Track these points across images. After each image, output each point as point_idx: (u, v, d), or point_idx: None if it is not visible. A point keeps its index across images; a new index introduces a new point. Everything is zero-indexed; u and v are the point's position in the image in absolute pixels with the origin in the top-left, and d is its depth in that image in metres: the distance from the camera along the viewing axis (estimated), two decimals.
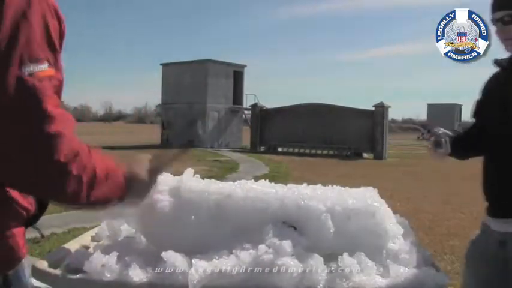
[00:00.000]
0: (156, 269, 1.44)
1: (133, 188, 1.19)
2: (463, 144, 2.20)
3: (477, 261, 2.20)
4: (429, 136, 2.27)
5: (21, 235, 1.05)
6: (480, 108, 2.14)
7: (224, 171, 15.34)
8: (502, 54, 2.05)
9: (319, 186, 1.76)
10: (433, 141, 2.24)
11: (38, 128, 0.88)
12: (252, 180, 1.74)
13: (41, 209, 1.14)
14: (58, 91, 0.96)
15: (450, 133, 2.21)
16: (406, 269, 1.51)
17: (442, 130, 2.23)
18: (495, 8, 1.95)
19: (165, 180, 1.65)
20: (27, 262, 1.10)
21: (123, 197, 1.16)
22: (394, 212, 1.81)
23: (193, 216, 1.59)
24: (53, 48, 0.96)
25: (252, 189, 1.65)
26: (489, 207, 2.14)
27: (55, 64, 0.96)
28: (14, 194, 1.01)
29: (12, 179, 0.93)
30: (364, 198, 1.67)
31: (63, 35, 1.01)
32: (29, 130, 0.88)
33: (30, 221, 1.12)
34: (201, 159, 19.57)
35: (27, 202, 1.06)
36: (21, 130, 0.88)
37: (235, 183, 1.70)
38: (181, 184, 1.64)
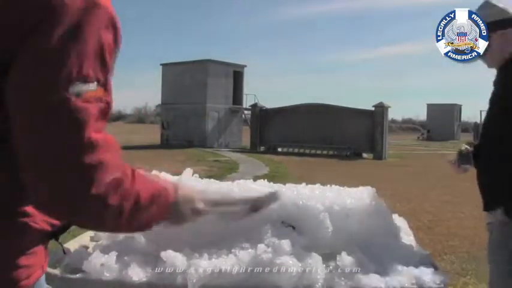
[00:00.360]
0: (156, 268, 1.44)
1: (178, 213, 1.11)
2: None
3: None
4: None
5: (43, 250, 1.00)
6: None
7: (224, 171, 15.34)
8: None
9: (317, 186, 1.76)
10: (458, 156, 2.16)
11: (78, 157, 0.82)
12: (251, 180, 1.74)
13: (68, 223, 1.07)
14: (105, 114, 0.88)
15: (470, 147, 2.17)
16: (405, 268, 1.51)
17: (464, 146, 2.17)
18: None
19: (165, 180, 1.65)
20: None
21: (167, 218, 1.08)
22: (394, 212, 1.81)
23: None
24: (105, 67, 0.88)
25: (251, 189, 1.65)
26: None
27: (105, 85, 0.88)
28: (30, 212, 0.96)
29: (49, 209, 0.88)
30: (362, 197, 1.67)
31: (117, 48, 0.92)
32: (68, 159, 0.82)
33: (55, 234, 1.05)
34: (200, 159, 19.57)
35: (50, 219, 1.00)
36: (60, 158, 0.81)
37: (234, 183, 1.71)
38: (180, 183, 1.64)
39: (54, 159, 0.82)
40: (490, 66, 2.15)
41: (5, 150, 0.87)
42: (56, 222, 1.02)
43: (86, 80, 0.84)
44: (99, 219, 0.90)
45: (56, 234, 1.06)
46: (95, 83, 0.85)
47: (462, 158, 2.15)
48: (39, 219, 0.98)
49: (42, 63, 0.82)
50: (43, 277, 1.03)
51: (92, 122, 0.84)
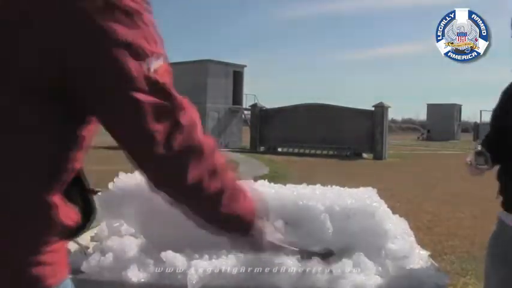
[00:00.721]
0: (156, 269, 1.44)
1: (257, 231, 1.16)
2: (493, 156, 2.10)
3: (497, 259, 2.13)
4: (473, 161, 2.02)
5: (64, 251, 0.98)
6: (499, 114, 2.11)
7: None
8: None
9: (318, 186, 1.76)
10: (474, 157, 2.01)
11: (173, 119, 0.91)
12: (251, 181, 1.73)
13: (86, 221, 1.08)
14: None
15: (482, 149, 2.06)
16: (406, 269, 1.51)
17: (479, 147, 2.04)
18: None
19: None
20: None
21: (251, 228, 1.13)
22: (394, 212, 1.81)
23: None
24: (162, 43, 0.96)
25: (251, 190, 1.64)
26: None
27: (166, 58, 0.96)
28: (59, 204, 0.94)
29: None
30: (363, 198, 1.67)
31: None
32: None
33: (74, 233, 1.04)
34: None
35: (72, 215, 0.99)
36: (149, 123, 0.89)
37: None
38: None
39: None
40: None
41: (36, 142, 0.89)
42: (75, 219, 1.00)
43: (158, 56, 0.91)
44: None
45: (73, 233, 1.04)
46: (162, 58, 0.92)
47: (479, 158, 2.01)
48: (62, 214, 0.95)
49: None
50: (69, 281, 0.98)
51: (172, 89, 0.92)
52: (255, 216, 1.13)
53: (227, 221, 1.10)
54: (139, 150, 0.94)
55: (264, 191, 1.65)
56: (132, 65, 0.86)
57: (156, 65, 0.89)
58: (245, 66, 35.81)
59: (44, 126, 0.88)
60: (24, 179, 0.89)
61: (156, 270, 1.43)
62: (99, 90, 0.87)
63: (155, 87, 0.88)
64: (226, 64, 33.73)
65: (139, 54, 0.87)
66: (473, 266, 5.06)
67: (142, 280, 1.40)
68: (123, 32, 0.85)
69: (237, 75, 34.37)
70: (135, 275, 1.41)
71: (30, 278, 0.89)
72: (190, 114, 0.95)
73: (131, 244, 1.63)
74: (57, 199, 0.94)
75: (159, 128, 0.89)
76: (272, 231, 1.19)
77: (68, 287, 0.98)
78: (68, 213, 0.97)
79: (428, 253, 1.69)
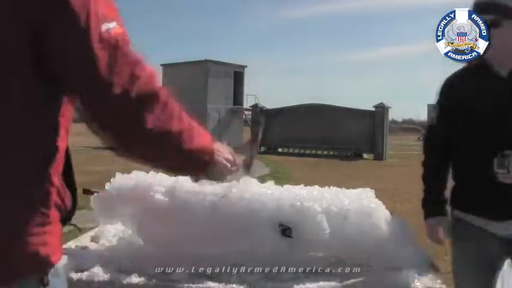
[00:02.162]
0: (156, 269, 1.44)
1: (216, 162, 1.18)
2: None
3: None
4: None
5: (59, 234, 1.02)
6: None
7: None
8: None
9: (315, 187, 1.75)
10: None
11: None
12: (249, 181, 1.73)
13: (74, 205, 1.11)
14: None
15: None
16: (405, 269, 1.50)
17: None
18: (478, 11, 1.96)
19: (161, 180, 1.65)
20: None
21: (208, 161, 1.15)
22: (394, 212, 1.80)
23: (188, 217, 1.58)
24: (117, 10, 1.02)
25: (248, 191, 1.64)
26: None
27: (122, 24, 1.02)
28: (53, 190, 0.98)
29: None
30: (360, 199, 1.66)
31: None
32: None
33: (68, 217, 1.07)
34: None
35: (65, 198, 1.03)
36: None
37: (230, 184, 1.70)
38: (176, 185, 1.64)
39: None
40: None
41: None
42: (70, 202, 1.04)
43: (111, 19, 0.98)
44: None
45: (67, 217, 1.07)
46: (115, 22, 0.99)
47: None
48: (61, 196, 1.01)
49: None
50: (61, 264, 1.02)
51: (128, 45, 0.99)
52: (212, 148, 1.16)
53: (189, 159, 1.13)
54: (98, 99, 0.98)
55: (261, 191, 1.65)
56: (92, 28, 0.94)
57: (109, 26, 0.97)
58: (245, 66, 35.84)
59: (30, 98, 0.94)
60: (24, 159, 0.94)
61: (156, 270, 1.44)
62: (64, 51, 0.94)
63: (110, 43, 0.96)
64: (227, 64, 33.73)
65: (95, 19, 0.95)
66: None
67: (142, 280, 1.41)
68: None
69: (238, 76, 34.39)
70: (134, 275, 1.42)
71: (37, 255, 0.93)
72: (144, 67, 1.02)
73: (130, 244, 1.63)
74: (56, 180, 0.99)
75: (115, 78, 0.96)
76: (227, 153, 1.22)
77: (61, 268, 1.02)
78: (65, 195, 1.02)
79: (428, 253, 1.68)
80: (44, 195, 0.96)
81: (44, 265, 0.95)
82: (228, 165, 1.20)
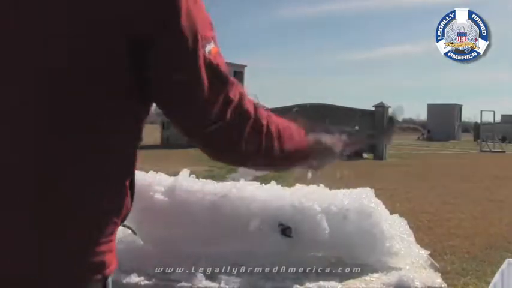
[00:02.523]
0: (156, 269, 1.44)
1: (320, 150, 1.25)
2: None
3: None
4: None
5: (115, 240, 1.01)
6: None
7: (224, 172, 15.32)
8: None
9: (314, 187, 1.75)
10: None
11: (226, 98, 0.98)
12: (248, 181, 1.73)
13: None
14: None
15: None
16: (405, 268, 1.50)
17: None
18: None
19: (161, 180, 1.65)
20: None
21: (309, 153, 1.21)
22: (394, 212, 1.80)
23: (188, 217, 1.58)
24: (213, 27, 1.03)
25: (248, 190, 1.64)
26: None
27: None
28: (128, 199, 0.98)
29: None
30: (360, 198, 1.66)
31: None
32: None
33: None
34: (201, 160, 19.56)
35: (131, 202, 1.02)
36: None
37: (229, 183, 1.70)
38: (176, 184, 1.64)
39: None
40: None
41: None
42: (129, 208, 1.03)
43: (209, 40, 0.98)
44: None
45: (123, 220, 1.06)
46: (212, 42, 1.00)
47: None
48: (128, 201, 1.00)
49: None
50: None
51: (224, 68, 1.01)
52: (309, 142, 1.21)
53: (292, 159, 1.19)
54: (198, 126, 1.00)
55: (261, 191, 1.65)
56: (199, 50, 0.94)
57: (209, 48, 0.97)
58: (245, 66, 35.88)
59: (123, 120, 0.94)
60: (114, 178, 0.94)
61: (156, 270, 1.44)
62: (169, 69, 0.93)
63: (210, 68, 0.96)
64: (227, 64, 33.79)
65: (201, 40, 0.95)
66: (473, 266, 5.05)
67: (142, 279, 1.40)
68: (192, 17, 0.93)
69: (238, 75, 34.43)
70: (133, 274, 1.42)
71: (104, 261, 0.94)
72: (238, 88, 1.04)
73: (130, 244, 1.63)
74: (127, 187, 0.99)
75: (214, 105, 0.97)
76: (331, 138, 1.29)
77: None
78: (129, 200, 1.01)
79: (428, 253, 1.68)
80: (121, 206, 0.97)
81: (107, 270, 0.96)
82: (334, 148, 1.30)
